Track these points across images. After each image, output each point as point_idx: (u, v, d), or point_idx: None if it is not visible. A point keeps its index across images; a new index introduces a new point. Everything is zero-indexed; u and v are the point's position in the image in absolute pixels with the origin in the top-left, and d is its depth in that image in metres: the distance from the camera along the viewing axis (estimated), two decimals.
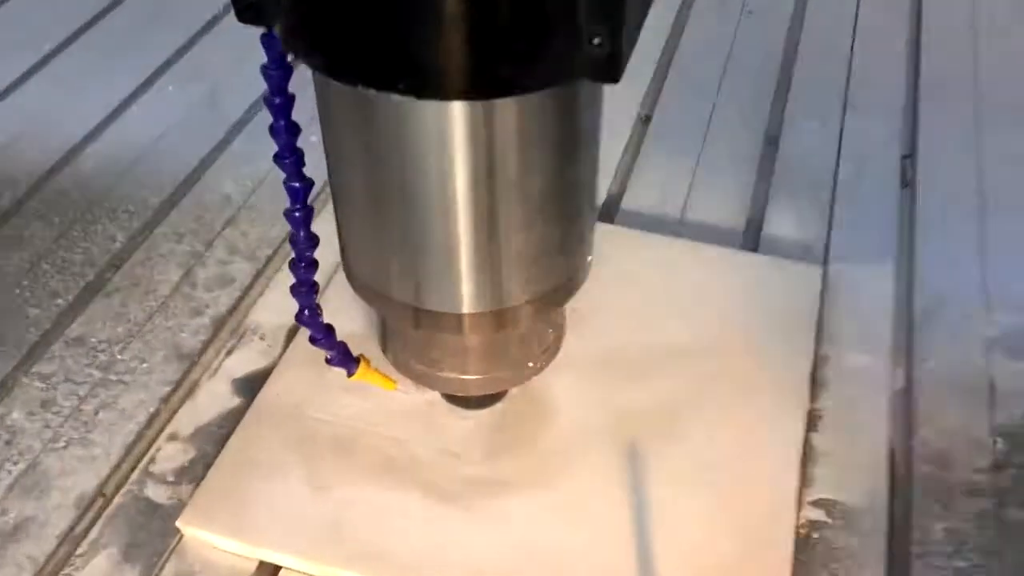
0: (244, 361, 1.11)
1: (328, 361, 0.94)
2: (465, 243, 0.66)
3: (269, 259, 1.25)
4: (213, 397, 1.08)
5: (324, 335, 0.91)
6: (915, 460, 0.94)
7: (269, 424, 1.02)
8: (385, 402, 1.02)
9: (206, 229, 1.27)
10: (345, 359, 0.95)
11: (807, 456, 0.94)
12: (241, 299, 1.20)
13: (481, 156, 0.59)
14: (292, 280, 0.84)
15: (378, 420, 1.01)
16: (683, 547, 0.86)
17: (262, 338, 1.14)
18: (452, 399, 0.96)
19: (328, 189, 0.76)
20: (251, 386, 1.07)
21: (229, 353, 1.13)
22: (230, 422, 1.04)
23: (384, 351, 0.91)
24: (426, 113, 0.57)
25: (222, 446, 0.99)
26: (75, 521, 0.93)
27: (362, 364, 0.96)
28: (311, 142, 0.75)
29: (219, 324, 1.16)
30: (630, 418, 0.99)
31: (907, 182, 1.21)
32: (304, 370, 1.07)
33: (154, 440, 1.03)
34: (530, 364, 0.87)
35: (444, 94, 0.55)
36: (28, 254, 1.18)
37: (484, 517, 0.92)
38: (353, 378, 0.96)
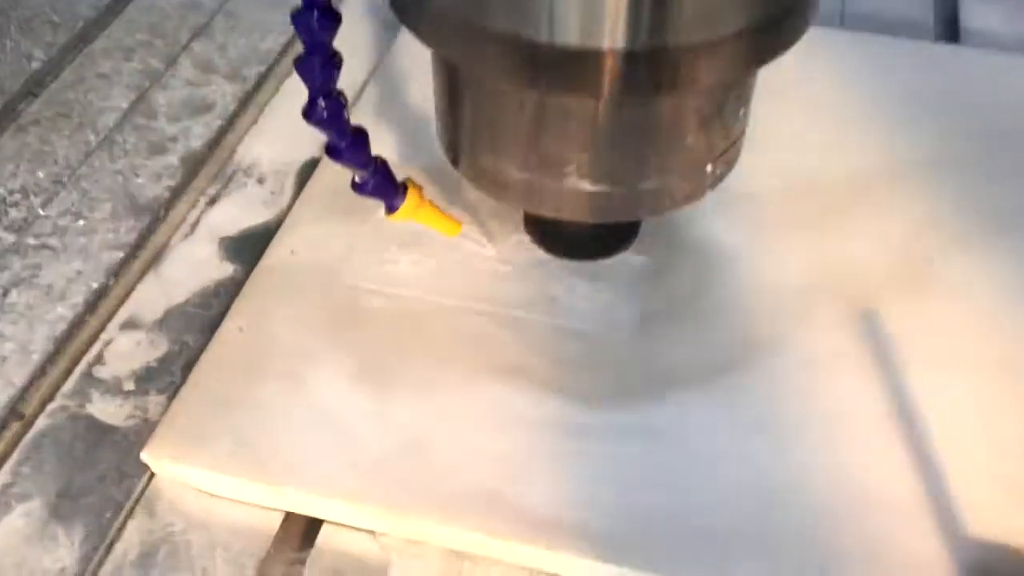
0: (235, 213, 0.83)
1: (357, 187, 0.65)
2: None
3: (261, 79, 0.96)
4: (190, 264, 0.79)
5: (348, 140, 0.60)
6: None
7: (282, 297, 0.74)
8: (457, 259, 0.76)
9: (166, 42, 0.98)
10: (383, 184, 0.65)
11: None
12: (225, 131, 0.90)
13: None
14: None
15: (453, 287, 0.74)
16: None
17: (260, 181, 0.85)
18: (559, 245, 0.75)
19: None
20: (248, 247, 0.80)
21: (212, 203, 0.85)
22: (219, 300, 0.77)
23: (452, 157, 0.64)
24: None
25: (208, 336, 0.72)
26: None
27: (412, 193, 0.68)
28: None
29: (194, 164, 0.87)
30: (849, 268, 0.75)
31: None
32: (329, 221, 0.80)
33: (100, 331, 0.74)
34: (708, 168, 0.60)
35: None
36: None
37: (650, 436, 0.66)
38: (396, 215, 0.68)
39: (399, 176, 0.67)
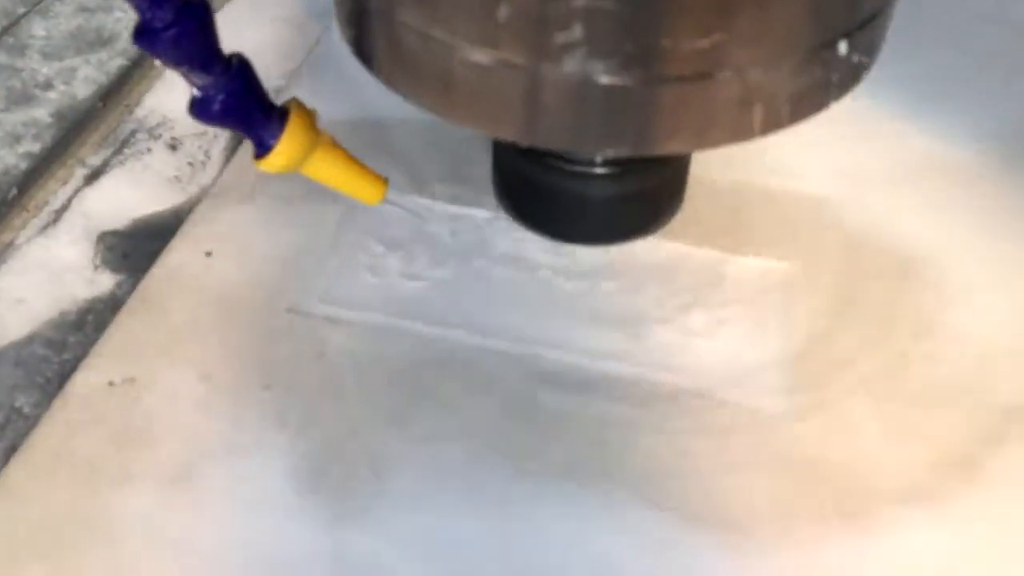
0: (126, 195, 0.56)
1: (197, 108, 0.41)
2: None
3: None
4: (45, 274, 0.52)
5: (170, 10, 0.37)
6: None
7: (185, 329, 0.47)
8: (476, 267, 0.50)
9: None
10: (242, 103, 0.41)
11: None
12: (127, 74, 0.62)
13: None
14: None
15: (461, 311, 0.48)
16: None
17: (172, 147, 0.58)
18: (549, 217, 0.50)
19: None
20: (142, 249, 0.53)
21: (92, 179, 0.57)
22: (83, 334, 0.49)
23: (352, 35, 0.41)
24: None
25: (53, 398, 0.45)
26: None
27: (297, 122, 0.43)
28: None
29: (73, 121, 0.60)
30: None
31: None
32: (268, 208, 0.53)
33: None
34: (842, 49, 0.37)
35: None
36: None
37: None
38: (273, 161, 0.42)
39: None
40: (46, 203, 0.55)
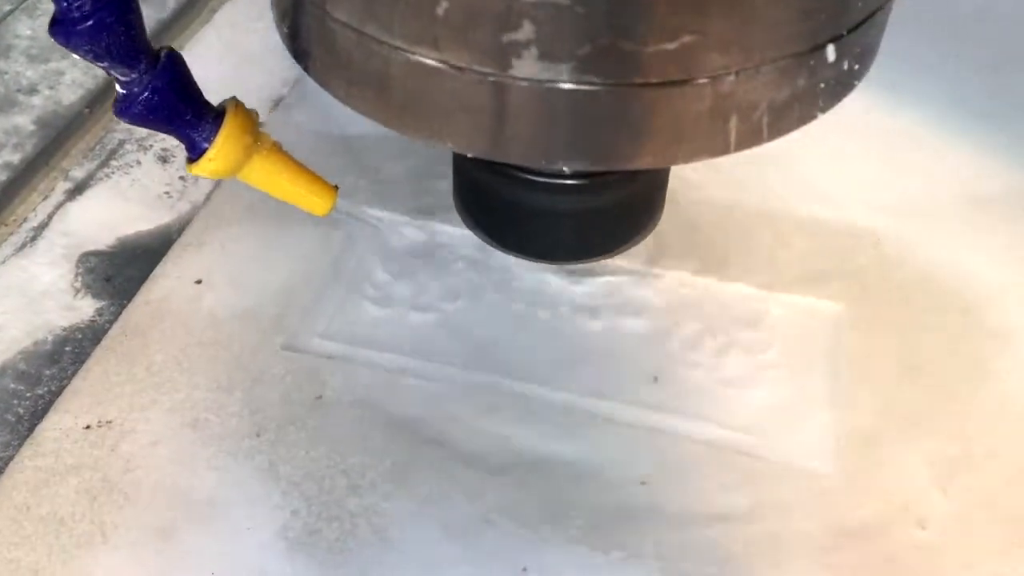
0: (113, 211, 0.52)
1: (119, 107, 0.37)
2: None
3: (186, 3, 0.63)
4: (19, 299, 0.47)
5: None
6: None
7: (169, 371, 0.43)
8: (501, 296, 0.46)
9: None
10: (169, 101, 0.37)
11: None
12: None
13: None
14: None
15: (486, 349, 0.44)
16: None
17: (164, 159, 0.54)
18: (513, 231, 0.44)
19: None
20: (129, 271, 0.49)
21: (76, 193, 0.53)
22: (59, 369, 0.45)
23: (287, 31, 0.39)
24: None
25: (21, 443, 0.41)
26: None
27: (233, 122, 0.39)
28: None
29: (59, 129, 0.55)
30: None
31: None
32: (267, 229, 0.49)
33: None
34: (830, 54, 0.35)
35: None
36: None
37: None
38: (209, 166, 0.39)
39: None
40: (25, 219, 0.51)
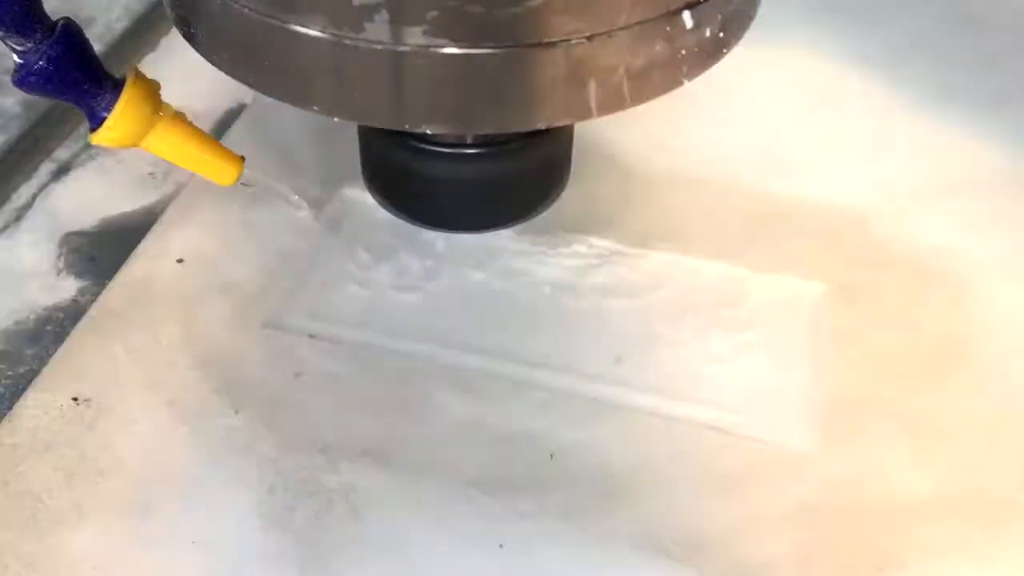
0: (96, 192, 0.52)
1: (18, 77, 0.38)
2: None
3: None
4: (3, 279, 0.47)
5: None
6: None
7: (149, 350, 0.43)
8: (486, 274, 0.46)
9: None
10: (64, 69, 0.38)
11: None
12: (106, 58, 0.44)
13: None
14: None
15: (465, 327, 0.44)
16: None
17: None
18: (418, 199, 0.45)
19: None
20: (111, 252, 0.49)
21: (60, 174, 0.53)
22: (41, 348, 0.45)
23: None
24: None
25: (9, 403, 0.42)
26: None
27: (133, 91, 0.39)
28: None
29: (43, 110, 0.56)
30: None
31: None
32: (251, 208, 0.49)
33: None
34: (686, 19, 0.35)
35: None
36: None
37: None
38: (110, 135, 0.39)
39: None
40: (7, 200, 0.51)
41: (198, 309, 0.44)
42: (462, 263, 0.46)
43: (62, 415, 0.40)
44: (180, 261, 0.46)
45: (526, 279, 0.46)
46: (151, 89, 0.40)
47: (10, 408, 0.41)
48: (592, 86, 0.34)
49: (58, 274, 0.47)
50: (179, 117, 0.41)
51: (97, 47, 0.60)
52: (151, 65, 0.59)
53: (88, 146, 0.54)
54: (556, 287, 0.45)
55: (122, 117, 0.39)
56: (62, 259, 0.48)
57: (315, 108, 0.34)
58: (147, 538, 0.36)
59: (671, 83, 0.36)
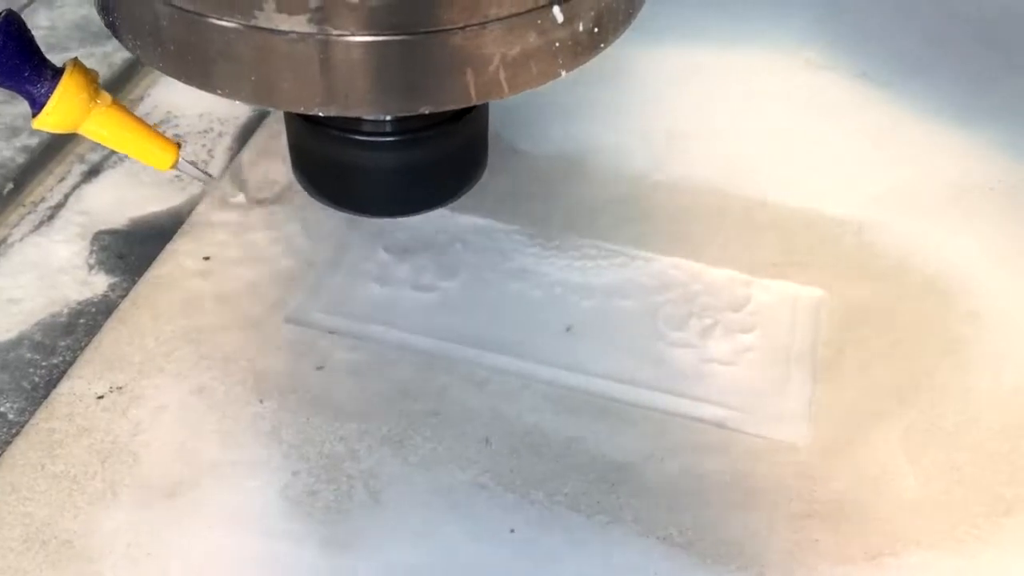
0: (126, 193, 0.53)
1: None
2: None
3: None
4: (37, 274, 0.49)
5: None
6: None
7: (177, 343, 0.45)
8: (507, 270, 0.49)
9: None
10: (7, 56, 0.41)
11: None
12: (133, 67, 0.59)
13: None
14: None
15: (491, 324, 0.46)
16: None
17: (178, 144, 0.51)
18: (338, 183, 0.48)
19: None
20: (141, 249, 0.50)
21: (91, 175, 0.55)
22: (74, 339, 0.46)
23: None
24: None
25: (38, 406, 0.43)
26: None
27: (71, 80, 0.43)
28: None
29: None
30: None
31: None
32: (275, 209, 0.51)
33: None
34: (556, 12, 0.37)
35: None
36: None
37: None
38: (50, 119, 0.43)
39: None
40: (42, 199, 0.53)
41: (223, 304, 0.46)
42: (477, 263, 0.48)
43: (96, 403, 0.42)
44: (207, 259, 0.48)
45: (538, 279, 0.47)
46: (89, 78, 0.43)
47: (46, 396, 0.43)
48: (469, 75, 0.36)
49: (90, 270, 0.49)
50: (116, 105, 0.44)
51: (126, 54, 0.62)
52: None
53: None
54: (567, 288, 0.47)
55: (59, 103, 0.42)
56: (93, 256, 0.50)
57: (218, 91, 0.37)
58: (176, 518, 0.38)
59: (548, 74, 0.38)
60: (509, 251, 0.48)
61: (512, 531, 0.38)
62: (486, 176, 0.51)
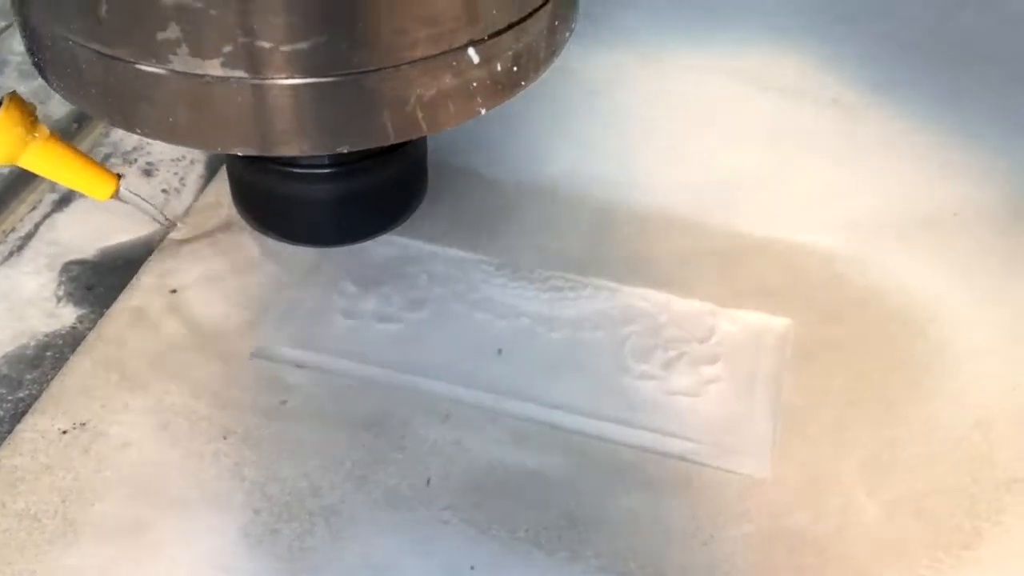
0: (96, 224, 0.54)
1: None
2: None
3: None
4: (5, 305, 0.49)
5: None
6: None
7: (142, 373, 0.45)
8: (470, 302, 0.49)
9: None
10: None
11: None
12: None
13: None
14: None
15: (452, 357, 0.46)
16: None
17: (148, 173, 0.55)
18: (277, 216, 0.50)
19: None
20: (111, 281, 0.51)
21: (60, 205, 0.55)
22: (40, 373, 0.46)
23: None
24: None
25: (10, 426, 0.43)
26: None
27: (7, 115, 0.44)
28: None
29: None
30: None
31: None
32: (243, 240, 0.51)
33: None
34: (471, 54, 0.37)
35: None
36: None
37: None
38: None
39: None
40: (12, 229, 0.53)
41: (189, 339, 0.46)
42: (444, 295, 0.48)
43: (60, 439, 0.42)
44: (174, 292, 0.48)
45: (504, 311, 0.47)
46: (25, 112, 0.44)
47: (10, 431, 0.43)
48: (387, 115, 0.37)
49: (58, 302, 0.49)
50: (54, 138, 0.45)
51: None
52: None
53: None
54: (533, 319, 0.47)
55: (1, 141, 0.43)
56: (62, 287, 0.50)
57: (137, 131, 0.38)
58: (136, 557, 0.38)
59: (466, 113, 0.38)
60: (476, 282, 0.48)
61: (472, 568, 0.39)
62: (454, 204, 0.51)
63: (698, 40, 0.64)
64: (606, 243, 0.51)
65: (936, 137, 0.57)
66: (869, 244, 0.51)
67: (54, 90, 0.40)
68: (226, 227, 0.51)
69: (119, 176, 0.47)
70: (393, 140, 0.37)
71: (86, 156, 0.47)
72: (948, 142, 0.57)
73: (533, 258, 0.50)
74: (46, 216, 0.53)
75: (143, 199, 0.50)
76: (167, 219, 0.51)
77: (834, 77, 0.61)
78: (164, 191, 0.55)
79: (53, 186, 0.55)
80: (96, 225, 0.53)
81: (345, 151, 0.38)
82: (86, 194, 0.47)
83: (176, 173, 0.56)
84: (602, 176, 0.54)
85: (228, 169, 0.49)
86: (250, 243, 0.50)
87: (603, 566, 0.38)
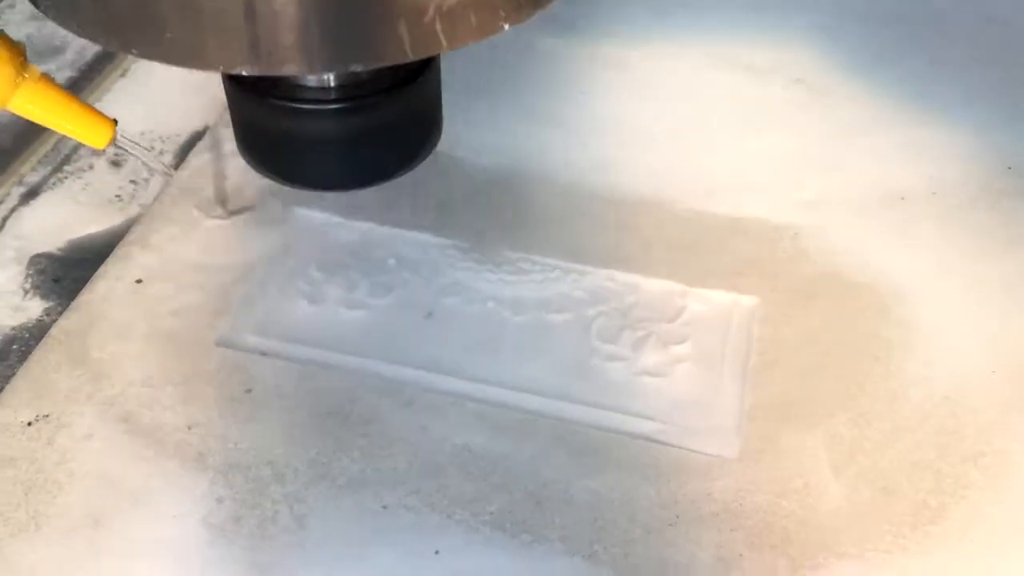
0: (64, 215, 0.54)
1: None
2: None
3: None
4: None
5: None
6: None
7: (104, 368, 0.45)
8: (441, 284, 0.48)
9: None
10: None
11: None
12: (76, 85, 0.59)
13: None
14: None
15: (416, 345, 0.46)
16: None
17: (117, 163, 0.55)
18: (276, 150, 0.44)
19: None
20: (78, 272, 0.50)
21: (29, 197, 0.55)
22: (6, 367, 0.46)
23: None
24: None
25: None
26: None
27: None
28: None
29: (14, 135, 0.57)
30: None
31: None
32: (209, 229, 0.51)
33: None
34: None
35: None
36: None
37: None
38: None
39: None
40: None
41: (155, 328, 0.46)
42: (410, 280, 0.48)
43: (23, 431, 0.42)
44: (139, 281, 0.47)
45: (470, 295, 0.47)
46: (15, 51, 0.41)
47: None
48: (403, 25, 0.34)
49: (25, 295, 0.49)
50: (45, 79, 0.42)
51: (69, 73, 0.62)
52: (120, 90, 0.61)
53: (56, 170, 0.55)
54: (499, 303, 0.47)
55: None
56: (29, 280, 0.50)
57: (133, 51, 0.34)
58: (100, 547, 0.38)
59: (488, 27, 0.35)
60: (443, 266, 0.48)
61: (437, 552, 0.38)
62: (422, 188, 0.51)
63: (671, 19, 0.63)
64: (574, 226, 0.51)
65: (905, 115, 0.57)
66: (837, 222, 0.51)
67: (43, 12, 0.37)
68: (191, 218, 0.51)
69: (115, 121, 0.44)
70: (410, 57, 0.34)
71: (79, 100, 0.43)
72: (917, 119, 0.57)
73: (501, 242, 0.50)
74: (13, 209, 0.53)
75: (141, 146, 0.48)
76: (165, 167, 0.50)
77: (804, 55, 0.60)
78: (132, 182, 0.55)
79: (22, 178, 0.55)
80: (63, 217, 0.53)
81: (359, 69, 0.35)
82: (82, 141, 0.44)
83: (144, 163, 0.56)
84: (569, 159, 0.54)
85: (231, 112, 0.47)
86: (215, 232, 0.50)
87: (568, 549, 0.38)
